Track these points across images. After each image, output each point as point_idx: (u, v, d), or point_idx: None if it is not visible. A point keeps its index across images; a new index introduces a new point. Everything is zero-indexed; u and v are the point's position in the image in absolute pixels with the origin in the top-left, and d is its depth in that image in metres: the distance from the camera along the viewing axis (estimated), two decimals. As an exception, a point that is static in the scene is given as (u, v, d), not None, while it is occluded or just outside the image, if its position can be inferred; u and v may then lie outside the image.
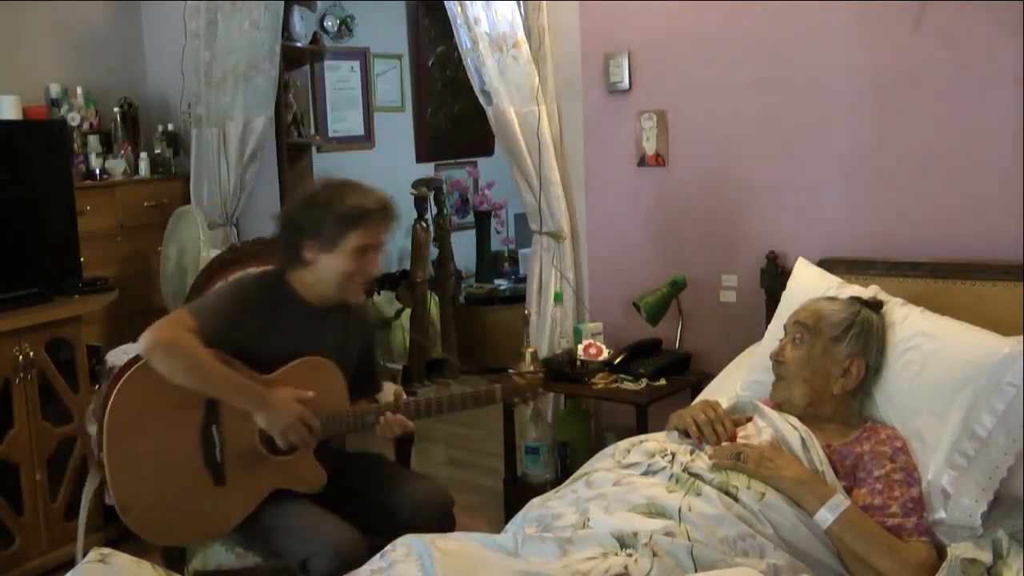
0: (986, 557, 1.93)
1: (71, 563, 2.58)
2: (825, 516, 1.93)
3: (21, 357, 3.23)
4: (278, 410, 2.31)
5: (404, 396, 2.57)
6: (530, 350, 3.42)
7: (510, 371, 2.60)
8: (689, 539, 1.82)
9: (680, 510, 1.90)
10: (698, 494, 1.95)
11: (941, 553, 1.95)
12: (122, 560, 1.85)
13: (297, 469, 2.39)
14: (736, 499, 1.94)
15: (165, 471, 2.34)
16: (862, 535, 1.92)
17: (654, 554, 1.76)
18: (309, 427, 2.34)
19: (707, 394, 2.72)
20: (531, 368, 2.60)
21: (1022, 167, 2.60)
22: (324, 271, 2.39)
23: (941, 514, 2.02)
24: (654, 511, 1.91)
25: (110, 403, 2.34)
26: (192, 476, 2.34)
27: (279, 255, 2.48)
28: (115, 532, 3.11)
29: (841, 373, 2.21)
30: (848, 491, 2.02)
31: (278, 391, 2.33)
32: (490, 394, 2.52)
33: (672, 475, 2.03)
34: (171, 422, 2.34)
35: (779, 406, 2.25)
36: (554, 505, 2.06)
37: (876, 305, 2.34)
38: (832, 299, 2.37)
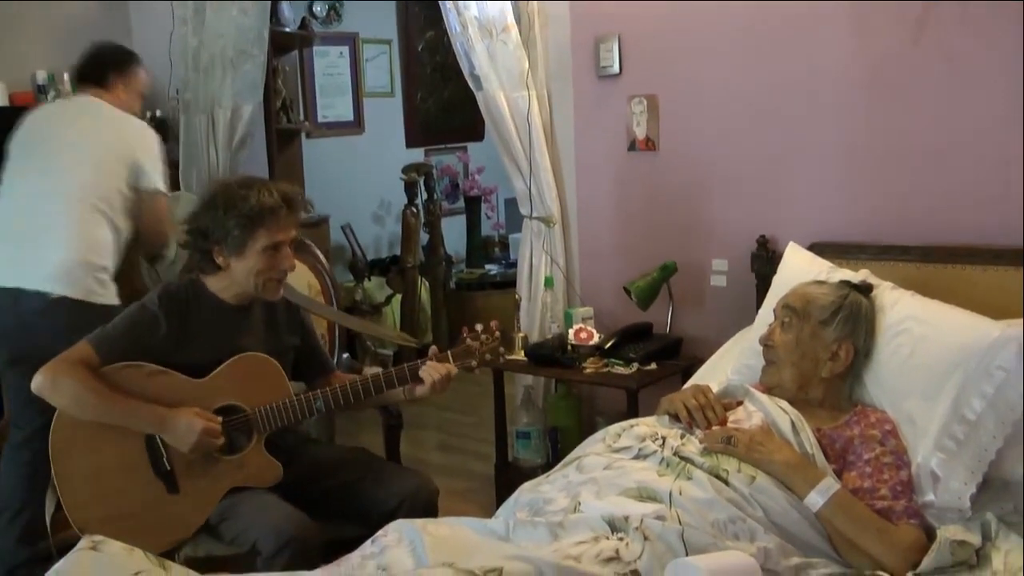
0: (975, 539, 1.94)
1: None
2: (815, 499, 1.93)
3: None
4: (180, 430, 2.29)
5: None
6: (521, 335, 3.43)
7: (466, 334, 2.51)
8: (680, 523, 1.82)
9: (671, 494, 1.90)
10: (689, 478, 1.95)
11: (930, 535, 1.95)
12: (114, 547, 1.84)
13: (250, 466, 2.37)
14: (726, 483, 1.95)
15: (116, 487, 2.33)
16: (852, 518, 1.93)
17: (645, 538, 1.76)
18: (215, 437, 2.31)
19: (698, 378, 2.73)
20: (493, 336, 2.51)
21: (1014, 152, 2.60)
22: (238, 274, 2.39)
23: (930, 497, 2.02)
24: (645, 495, 1.91)
25: (51, 427, 2.32)
26: (144, 488, 2.33)
27: (192, 261, 2.46)
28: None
29: (829, 357, 2.21)
30: (838, 474, 2.03)
31: (178, 410, 2.30)
32: (443, 360, 2.46)
33: (663, 459, 2.03)
34: (114, 437, 2.32)
35: (769, 390, 2.25)
36: (545, 490, 2.07)
37: (865, 289, 2.34)
38: (821, 283, 2.37)
